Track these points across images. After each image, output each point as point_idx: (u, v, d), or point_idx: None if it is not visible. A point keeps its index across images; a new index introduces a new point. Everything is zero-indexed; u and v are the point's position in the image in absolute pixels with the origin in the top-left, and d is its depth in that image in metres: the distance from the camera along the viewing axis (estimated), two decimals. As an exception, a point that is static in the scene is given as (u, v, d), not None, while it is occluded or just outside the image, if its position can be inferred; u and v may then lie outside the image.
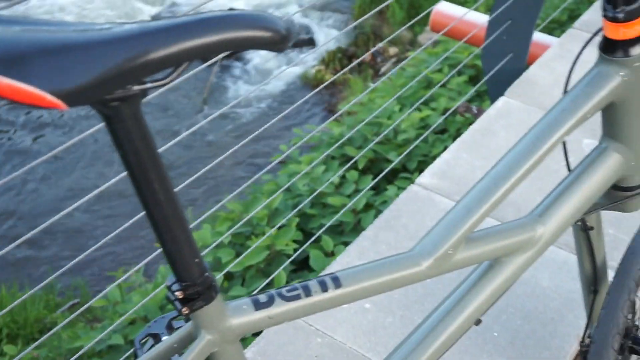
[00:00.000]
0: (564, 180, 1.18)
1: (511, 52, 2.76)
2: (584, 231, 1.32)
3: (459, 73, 3.62)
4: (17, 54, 0.64)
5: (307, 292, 0.98)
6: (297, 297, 0.97)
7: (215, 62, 6.19)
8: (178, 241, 0.87)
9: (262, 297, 0.97)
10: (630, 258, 1.36)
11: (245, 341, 2.26)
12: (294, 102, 5.21)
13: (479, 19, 3.54)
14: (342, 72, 4.98)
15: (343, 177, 2.99)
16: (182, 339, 1.01)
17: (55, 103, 0.62)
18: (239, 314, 0.95)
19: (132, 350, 1.17)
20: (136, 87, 0.70)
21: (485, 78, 2.93)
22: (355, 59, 5.54)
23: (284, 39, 0.75)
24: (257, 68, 6.58)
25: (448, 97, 3.57)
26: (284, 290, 0.98)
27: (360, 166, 3.05)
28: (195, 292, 0.89)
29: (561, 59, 2.78)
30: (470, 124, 2.71)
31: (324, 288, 0.98)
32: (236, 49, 0.75)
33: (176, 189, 0.84)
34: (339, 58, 6.21)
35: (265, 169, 2.31)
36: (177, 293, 0.88)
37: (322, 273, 1.24)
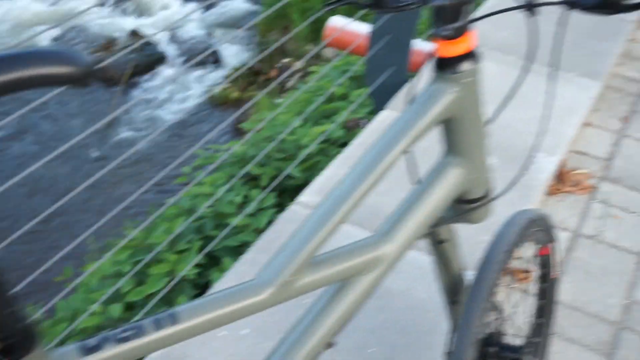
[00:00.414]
0: (408, 197, 1.18)
1: (393, 65, 2.83)
2: (437, 244, 1.33)
3: (360, 85, 3.59)
4: None
5: (141, 332, 0.95)
6: (129, 339, 0.94)
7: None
8: None
9: (91, 342, 0.93)
10: (486, 266, 1.35)
11: None
12: (201, 121, 5.24)
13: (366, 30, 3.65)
14: (238, 84, 4.97)
15: (246, 196, 2.96)
16: None
17: None
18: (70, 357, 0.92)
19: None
20: None
21: (369, 92, 2.99)
22: (261, 75, 5.72)
23: (86, 75, 0.72)
24: (168, 89, 6.56)
25: (349, 110, 3.55)
26: (116, 332, 0.95)
27: (264, 184, 3.01)
28: (12, 343, 0.86)
29: None
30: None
31: (158, 326, 0.95)
32: (32, 87, 0.71)
33: None
34: (244, 75, 6.13)
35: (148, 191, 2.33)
36: None
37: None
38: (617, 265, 2.20)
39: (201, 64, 6.75)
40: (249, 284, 1.02)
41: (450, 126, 1.17)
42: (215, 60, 6.83)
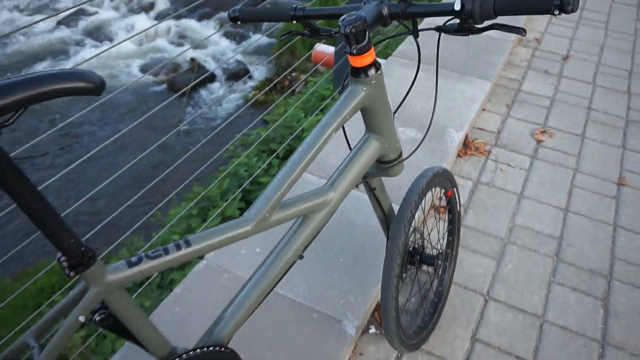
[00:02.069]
0: (344, 160, 1.21)
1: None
2: (371, 191, 1.35)
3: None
4: None
5: (166, 252, 0.97)
6: (159, 256, 0.96)
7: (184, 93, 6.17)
8: (55, 230, 0.84)
9: (134, 259, 0.95)
10: (404, 203, 1.36)
11: (173, 283, 2.28)
12: (240, 116, 5.35)
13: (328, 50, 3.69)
14: (263, 91, 5.00)
15: (269, 163, 3.00)
16: (77, 296, 0.96)
17: None
18: (117, 272, 0.93)
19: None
20: None
21: (337, 91, 2.97)
22: (278, 84, 5.77)
23: (99, 87, 0.74)
24: (214, 94, 6.55)
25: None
26: (150, 253, 0.97)
27: (281, 155, 3.06)
28: (76, 261, 0.88)
29: (386, 77, 2.85)
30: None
31: (178, 248, 0.98)
32: (64, 95, 0.72)
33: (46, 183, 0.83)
34: (267, 84, 6.14)
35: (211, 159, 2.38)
36: (63, 264, 0.87)
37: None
38: (504, 202, 2.21)
39: (238, 78, 6.76)
40: (238, 220, 1.04)
41: (366, 113, 1.17)
42: (246, 74, 6.82)
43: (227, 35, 7.68)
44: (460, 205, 1.73)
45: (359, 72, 1.09)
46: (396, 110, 1.34)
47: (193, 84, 6.47)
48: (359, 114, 1.18)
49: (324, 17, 1.20)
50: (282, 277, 1.18)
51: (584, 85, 3.00)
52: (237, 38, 7.59)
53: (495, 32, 3.23)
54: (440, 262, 1.59)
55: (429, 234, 1.76)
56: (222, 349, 1.16)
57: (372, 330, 1.74)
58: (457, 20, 1.03)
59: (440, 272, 1.79)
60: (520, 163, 2.42)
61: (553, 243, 2.04)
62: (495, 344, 1.69)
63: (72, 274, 0.88)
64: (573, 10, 0.90)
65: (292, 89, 5.83)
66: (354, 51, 1.04)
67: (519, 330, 1.73)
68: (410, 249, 1.56)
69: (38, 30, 7.70)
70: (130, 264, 0.95)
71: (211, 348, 1.13)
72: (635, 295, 1.85)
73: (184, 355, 1.11)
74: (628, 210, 2.18)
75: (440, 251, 1.60)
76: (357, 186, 1.24)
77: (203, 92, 6.73)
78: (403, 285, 1.83)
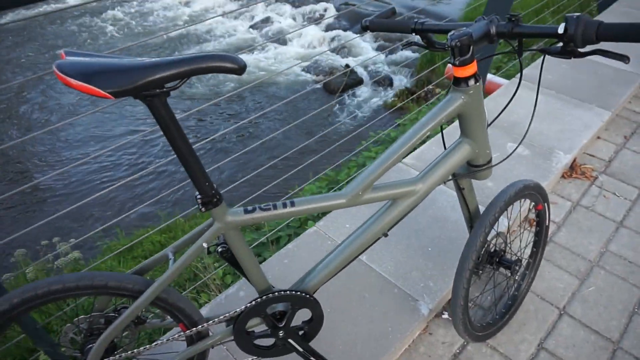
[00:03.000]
0: (437, 158, 1.17)
1: None
2: (459, 190, 1.27)
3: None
4: (91, 71, 0.76)
5: (275, 208, 1.02)
6: (269, 209, 1.02)
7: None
8: (196, 172, 0.93)
9: (249, 208, 1.02)
10: (488, 209, 1.28)
11: (279, 241, 2.33)
12: (377, 118, 5.37)
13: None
14: (404, 102, 4.91)
15: None
16: (205, 228, 1.06)
17: (107, 95, 0.75)
18: (235, 215, 1.00)
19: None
20: (159, 90, 0.80)
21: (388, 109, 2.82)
22: (414, 93, 5.62)
23: (242, 69, 0.81)
24: (361, 98, 6.64)
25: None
26: (262, 205, 1.02)
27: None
28: (208, 200, 0.96)
29: (503, 96, 2.61)
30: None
31: (284, 206, 1.03)
32: (216, 72, 0.80)
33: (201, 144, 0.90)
34: (406, 94, 6.05)
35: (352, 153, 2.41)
36: (198, 200, 0.96)
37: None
38: (600, 227, 1.94)
39: (381, 85, 6.76)
40: (336, 193, 1.06)
41: (462, 118, 1.11)
42: (389, 83, 6.76)
43: (379, 48, 7.68)
44: (549, 220, 1.56)
45: (459, 82, 1.04)
46: (493, 121, 1.24)
47: (342, 86, 6.60)
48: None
49: (439, 31, 1.14)
50: (367, 248, 1.17)
51: None
52: (388, 51, 7.54)
53: (626, 65, 2.82)
54: (517, 267, 1.45)
55: (511, 241, 1.61)
56: (307, 295, 1.17)
57: (445, 316, 1.65)
58: (561, 44, 0.93)
59: (518, 278, 1.64)
60: (626, 193, 2.10)
61: (645, 275, 1.75)
62: (561, 356, 1.51)
63: (203, 209, 0.97)
64: None
65: (428, 101, 5.67)
66: (457, 62, 1.00)
67: (589, 349, 1.52)
68: (492, 250, 1.44)
69: (237, 29, 8.35)
70: (246, 211, 1.02)
71: (298, 293, 1.16)
72: None
73: (276, 293, 1.15)
74: None
75: (520, 258, 1.45)
76: (445, 183, 1.20)
77: (351, 94, 6.83)
78: (481, 282, 1.70)
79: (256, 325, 1.21)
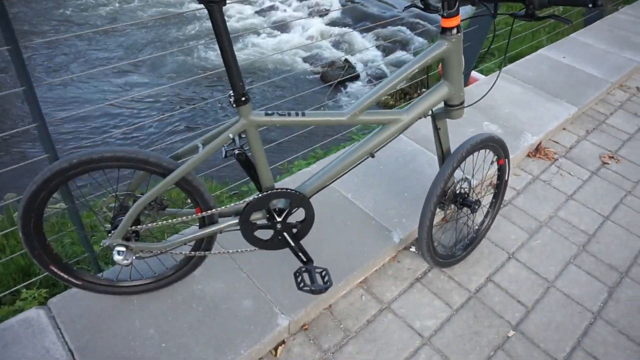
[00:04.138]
0: (419, 96, 1.37)
1: None
2: (436, 130, 1.48)
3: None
4: None
5: (289, 115, 1.20)
6: (284, 115, 1.20)
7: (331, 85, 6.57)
8: (233, 73, 1.10)
9: (270, 112, 1.20)
10: (457, 151, 1.48)
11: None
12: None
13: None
14: (396, 102, 5.14)
15: None
16: (231, 123, 1.21)
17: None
18: (257, 115, 1.19)
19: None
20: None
21: None
22: (408, 95, 5.86)
23: None
24: (355, 91, 6.84)
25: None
26: (279, 112, 1.21)
27: None
28: (238, 98, 1.14)
29: (485, 84, 2.90)
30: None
31: (297, 114, 1.21)
32: None
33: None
34: (399, 93, 6.16)
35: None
36: (231, 97, 1.15)
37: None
38: (553, 197, 2.22)
39: (377, 82, 6.98)
40: (338, 111, 1.25)
41: (444, 63, 1.31)
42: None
43: (379, 47, 7.95)
44: (508, 175, 1.83)
45: (445, 31, 1.28)
46: (477, 101, 1.50)
47: (338, 79, 6.84)
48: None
49: None
50: (357, 164, 1.38)
51: (667, 133, 2.83)
52: (386, 50, 7.82)
53: (599, 72, 3.14)
54: (476, 207, 1.72)
55: (475, 187, 1.87)
56: (303, 196, 1.40)
57: (412, 249, 1.92)
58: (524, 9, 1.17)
59: (477, 220, 1.91)
60: (580, 174, 2.41)
61: (584, 237, 2.05)
62: (504, 287, 1.79)
63: (234, 105, 1.16)
64: (602, 5, 1.03)
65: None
66: (445, 14, 1.24)
67: (528, 284, 1.81)
68: (457, 192, 1.70)
69: (243, 14, 8.54)
70: (267, 114, 1.21)
71: (296, 192, 1.38)
72: (642, 293, 1.83)
73: (278, 189, 1.37)
74: (664, 234, 2.11)
75: (479, 200, 1.72)
76: (425, 116, 1.43)
77: (346, 87, 7.06)
78: (448, 225, 1.98)
79: (259, 218, 1.44)
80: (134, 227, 1.34)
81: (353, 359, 1.51)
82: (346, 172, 1.44)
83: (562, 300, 1.77)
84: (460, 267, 1.86)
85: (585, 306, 1.75)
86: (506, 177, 1.84)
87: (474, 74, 3.45)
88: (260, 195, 1.38)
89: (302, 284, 1.46)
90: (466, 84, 2.94)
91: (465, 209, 1.75)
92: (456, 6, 1.24)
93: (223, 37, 1.07)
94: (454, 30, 1.28)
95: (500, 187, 1.87)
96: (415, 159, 2.21)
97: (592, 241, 2.03)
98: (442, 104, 1.47)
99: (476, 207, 1.72)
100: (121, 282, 1.48)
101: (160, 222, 1.35)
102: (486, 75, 3.60)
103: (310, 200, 1.45)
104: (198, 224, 1.46)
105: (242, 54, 7.17)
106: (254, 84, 5.01)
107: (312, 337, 1.56)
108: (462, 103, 1.45)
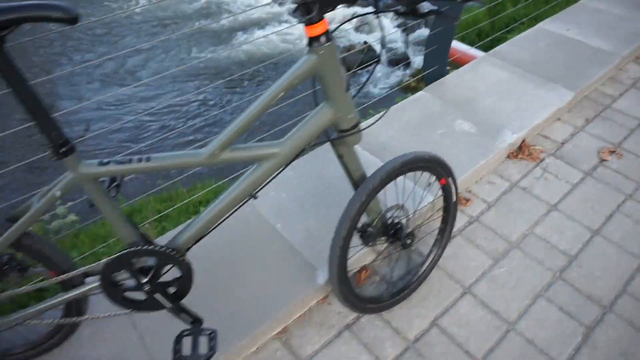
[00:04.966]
0: (300, 122, 1.14)
1: (436, 64, 2.60)
2: (339, 157, 1.24)
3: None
4: None
5: (130, 162, 1.02)
6: (123, 163, 1.02)
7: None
8: (42, 121, 0.93)
9: (105, 160, 1.02)
10: (370, 178, 1.25)
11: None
12: (393, 97, 5.30)
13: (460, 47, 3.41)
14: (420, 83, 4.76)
15: None
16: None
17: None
18: (89, 167, 1.01)
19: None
20: None
21: (419, 76, 2.72)
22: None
23: (74, 19, 0.82)
24: (375, 75, 6.52)
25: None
26: (118, 158, 1.03)
27: None
28: (55, 150, 0.96)
29: (470, 72, 2.54)
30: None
31: (139, 161, 1.02)
32: (46, 22, 0.82)
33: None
34: (421, 72, 5.92)
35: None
36: (47, 148, 0.97)
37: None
38: (531, 209, 1.88)
39: (398, 64, 6.60)
40: (194, 151, 1.06)
41: (320, 80, 1.09)
42: (407, 63, 6.59)
43: (399, 26, 7.50)
44: (457, 196, 1.53)
45: (311, 42, 1.03)
46: (360, 89, 1.22)
47: (358, 62, 6.50)
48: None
49: None
50: (236, 209, 1.19)
51: (692, 114, 2.35)
52: (407, 30, 7.35)
53: (608, 44, 2.68)
54: (410, 242, 1.44)
55: (413, 214, 1.59)
56: (172, 252, 1.19)
57: (348, 286, 1.65)
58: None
59: (413, 252, 1.63)
60: (570, 177, 2.03)
61: (563, 260, 1.70)
62: (450, 334, 1.50)
63: (51, 157, 0.98)
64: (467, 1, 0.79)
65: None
66: (304, 21, 0.99)
67: (482, 327, 1.51)
68: (389, 223, 1.43)
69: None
70: (101, 164, 1.03)
71: (163, 249, 1.18)
72: (627, 334, 1.48)
73: (139, 247, 1.17)
74: (670, 250, 1.72)
75: (413, 232, 1.44)
76: (310, 145, 1.17)
77: (366, 71, 6.72)
78: (392, 256, 1.70)
79: (125, 279, 1.25)
80: None
81: None
82: (226, 218, 1.22)
83: (522, 348, 1.45)
84: (402, 308, 1.58)
85: (551, 355, 1.43)
86: (454, 199, 1.54)
87: (460, 46, 3.07)
88: (118, 254, 1.19)
89: (178, 355, 1.25)
90: (445, 61, 2.57)
91: (397, 243, 1.47)
92: (316, 9, 0.97)
93: (13, 79, 0.88)
94: (322, 39, 1.02)
95: (448, 210, 1.57)
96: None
97: (573, 265, 1.68)
98: None
99: (408, 241, 1.43)
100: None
101: (9, 292, 1.19)
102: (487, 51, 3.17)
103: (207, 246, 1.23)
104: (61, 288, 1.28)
105: (265, 40, 6.91)
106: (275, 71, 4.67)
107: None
108: (356, 125, 1.18)
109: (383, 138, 2.11)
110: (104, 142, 4.65)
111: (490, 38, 3.84)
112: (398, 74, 6.60)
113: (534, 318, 1.53)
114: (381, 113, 1.21)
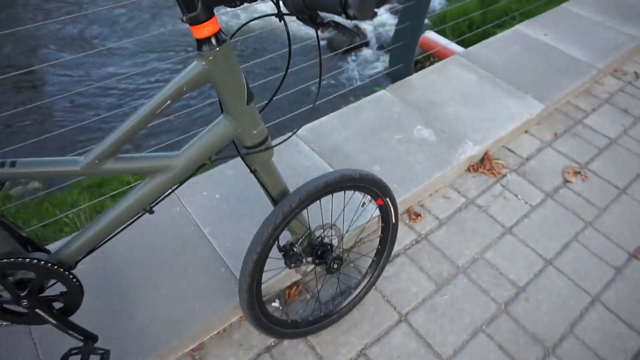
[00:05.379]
0: (197, 136, 1.00)
1: (401, 62, 2.44)
2: (253, 172, 1.10)
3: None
4: None
5: None
6: None
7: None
8: None
9: None
10: (288, 197, 1.11)
11: None
12: (379, 84, 5.10)
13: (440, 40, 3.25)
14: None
15: None
16: None
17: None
18: None
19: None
20: None
21: (382, 72, 2.58)
22: (419, 63, 5.21)
23: None
24: (363, 58, 6.30)
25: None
26: None
27: None
28: None
29: (437, 72, 2.36)
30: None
31: (3, 165, 0.87)
32: None
33: None
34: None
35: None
36: None
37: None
38: (485, 231, 1.75)
39: (388, 50, 6.47)
40: (71, 158, 0.92)
41: (215, 89, 0.94)
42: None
43: (391, 10, 7.26)
44: (395, 217, 1.38)
45: (199, 44, 0.86)
46: (272, 98, 1.06)
47: (347, 45, 6.27)
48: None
49: None
50: (128, 223, 1.05)
51: (665, 137, 2.25)
52: (398, 12, 7.13)
53: (585, 54, 2.54)
54: (336, 265, 1.29)
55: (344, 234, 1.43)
56: (51, 266, 1.04)
57: (275, 304, 1.51)
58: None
59: (347, 273, 1.48)
60: (530, 198, 1.90)
61: (510, 290, 1.58)
62: (379, 367, 1.37)
63: None
64: (355, 18, 0.68)
65: (424, 68, 5.33)
66: (186, 20, 0.81)
67: (413, 363, 1.38)
68: (316, 243, 1.28)
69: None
70: None
71: (38, 262, 1.03)
72: (567, 382, 1.37)
73: (12, 259, 1.02)
74: (622, 288, 1.61)
75: (341, 255, 1.29)
76: (212, 161, 1.02)
77: (355, 55, 6.49)
78: (321, 278, 1.55)
79: (1, 291, 1.08)
80: None
81: None
82: (119, 231, 1.05)
83: (454, 389, 1.33)
84: (330, 333, 1.44)
85: (483, 400, 1.31)
86: (393, 220, 1.39)
87: (433, 36, 2.92)
88: None
89: (61, 379, 1.09)
90: (411, 59, 2.40)
91: (322, 266, 1.32)
92: (200, 6, 0.79)
93: None
94: (213, 41, 0.85)
95: (386, 231, 1.42)
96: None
97: (520, 298, 1.56)
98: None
99: (335, 265, 1.29)
100: None
101: None
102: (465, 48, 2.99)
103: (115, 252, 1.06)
104: None
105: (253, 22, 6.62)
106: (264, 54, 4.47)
107: None
108: (263, 142, 1.02)
109: (335, 140, 1.94)
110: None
111: (481, 29, 3.69)
112: (384, 59, 6.41)
113: (471, 356, 1.40)
114: (292, 132, 1.07)
